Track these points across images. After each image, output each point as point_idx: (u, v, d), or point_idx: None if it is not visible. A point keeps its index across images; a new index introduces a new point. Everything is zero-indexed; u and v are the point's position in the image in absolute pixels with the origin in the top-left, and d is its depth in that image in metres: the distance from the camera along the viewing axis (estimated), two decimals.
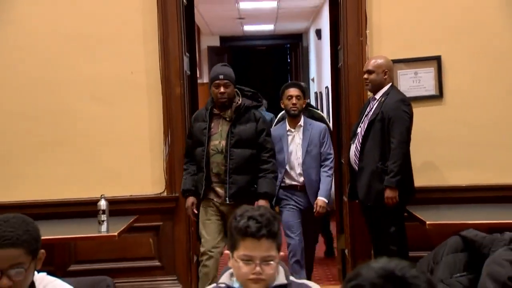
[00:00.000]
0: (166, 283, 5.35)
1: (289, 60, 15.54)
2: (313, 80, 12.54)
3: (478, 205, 4.88)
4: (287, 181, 5.11)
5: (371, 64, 4.81)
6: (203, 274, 4.70)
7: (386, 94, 4.74)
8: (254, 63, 16.01)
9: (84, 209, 4.91)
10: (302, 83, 6.07)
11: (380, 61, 4.82)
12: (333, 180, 5.45)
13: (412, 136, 4.68)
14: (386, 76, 4.80)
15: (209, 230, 4.71)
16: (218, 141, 4.66)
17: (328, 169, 5.14)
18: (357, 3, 5.18)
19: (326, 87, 9.06)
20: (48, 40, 5.24)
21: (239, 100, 4.71)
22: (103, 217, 4.41)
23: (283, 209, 5.12)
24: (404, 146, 4.64)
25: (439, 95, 5.20)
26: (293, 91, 5.11)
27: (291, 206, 5.10)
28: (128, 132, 5.28)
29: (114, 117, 5.28)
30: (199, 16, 10.53)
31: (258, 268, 2.29)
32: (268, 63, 16.05)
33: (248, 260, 2.30)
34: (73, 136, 5.27)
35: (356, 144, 4.77)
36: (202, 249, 4.73)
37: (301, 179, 5.10)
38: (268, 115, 6.76)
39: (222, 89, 4.59)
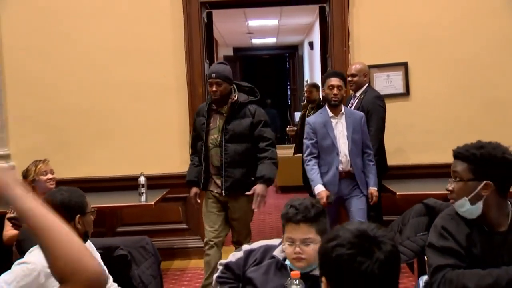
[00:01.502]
0: (192, 241, 5.38)
1: (287, 66, 15.51)
2: (306, 82, 12.52)
3: (437, 179, 4.86)
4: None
5: (353, 69, 4.79)
6: (206, 262, 3.99)
7: (364, 92, 4.74)
8: (260, 69, 15.99)
9: (128, 184, 4.91)
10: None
11: (360, 66, 4.81)
12: None
13: (385, 125, 4.68)
14: (366, 78, 4.80)
15: (210, 222, 4.02)
16: (216, 136, 3.96)
17: (372, 157, 4.26)
18: (341, 21, 5.18)
19: None
20: (100, 53, 5.26)
21: (235, 96, 3.96)
22: (143, 190, 4.45)
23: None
24: (380, 133, 4.63)
25: (406, 93, 5.20)
26: (334, 81, 4.18)
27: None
28: (161, 123, 5.29)
29: (150, 111, 5.28)
30: (217, 31, 10.51)
31: (297, 249, 2.15)
32: (271, 69, 16.02)
33: (291, 242, 2.17)
34: (118, 127, 5.29)
35: None
36: (205, 239, 4.04)
37: (345, 166, 4.16)
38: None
39: (214, 88, 3.89)
